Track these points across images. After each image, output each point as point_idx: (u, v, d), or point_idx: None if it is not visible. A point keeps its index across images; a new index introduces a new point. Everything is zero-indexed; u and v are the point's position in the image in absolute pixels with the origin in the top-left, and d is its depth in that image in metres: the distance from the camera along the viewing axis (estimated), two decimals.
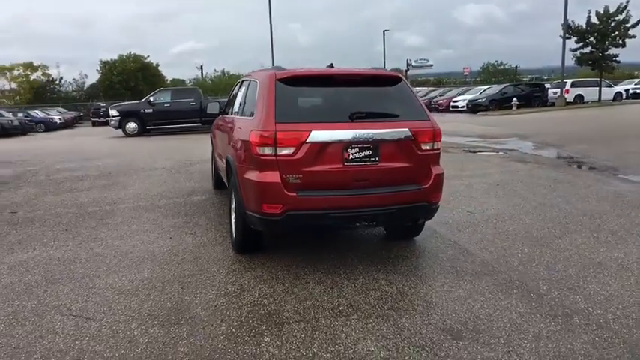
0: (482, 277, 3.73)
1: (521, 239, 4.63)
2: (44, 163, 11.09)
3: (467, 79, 57.27)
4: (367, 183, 3.71)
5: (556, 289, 3.50)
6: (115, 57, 60.38)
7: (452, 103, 31.39)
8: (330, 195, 3.63)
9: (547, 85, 31.89)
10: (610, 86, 31.04)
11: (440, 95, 36.22)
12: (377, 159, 3.70)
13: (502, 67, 60.59)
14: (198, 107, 18.83)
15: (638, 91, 33.74)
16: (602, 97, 29.00)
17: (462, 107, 30.03)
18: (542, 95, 29.68)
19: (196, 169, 9.39)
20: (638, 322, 2.98)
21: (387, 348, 2.75)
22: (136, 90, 50.39)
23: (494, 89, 30.74)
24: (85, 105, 48.74)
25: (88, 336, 2.92)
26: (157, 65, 66.43)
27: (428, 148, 3.87)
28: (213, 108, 6.26)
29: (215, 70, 73.97)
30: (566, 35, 27.98)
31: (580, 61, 28.99)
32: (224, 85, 66.74)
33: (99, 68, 59.96)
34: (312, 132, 3.56)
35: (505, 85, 32.46)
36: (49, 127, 32.61)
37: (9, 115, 30.98)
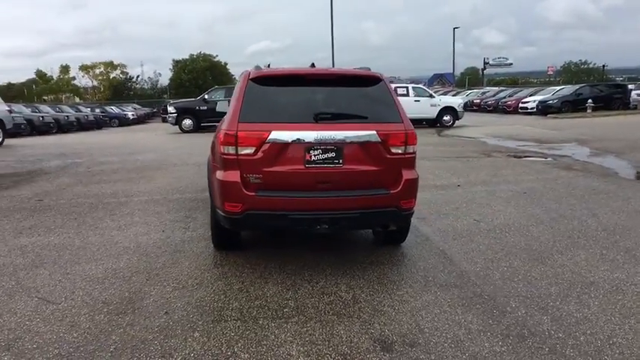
0: (450, 290, 3.56)
1: (516, 252, 4.35)
2: (92, 155, 12.00)
3: (551, 79, 54.11)
4: (329, 185, 3.66)
5: (525, 307, 3.27)
6: (187, 56, 63.81)
7: (520, 105, 29.78)
8: (289, 196, 3.63)
9: (630, 87, 29.32)
10: None
11: (509, 96, 34.50)
12: (340, 161, 3.65)
13: (586, 66, 56.55)
14: None
15: None
16: None
17: (531, 109, 28.39)
18: (623, 97, 27.35)
19: None
20: (598, 351, 2.71)
21: (308, 354, 2.72)
22: (204, 88, 52.92)
23: (567, 90, 28.79)
24: (158, 102, 51.86)
25: (39, 318, 3.16)
26: (225, 64, 69.18)
27: (399, 151, 3.75)
28: (222, 107, 6.37)
29: None
30: None
31: None
32: None
33: (171, 67, 63.56)
34: (272, 132, 3.59)
35: (581, 85, 30.28)
36: (122, 122, 35.21)
37: (86, 111, 33.88)
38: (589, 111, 24.75)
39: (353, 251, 4.45)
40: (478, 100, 37.29)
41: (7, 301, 3.43)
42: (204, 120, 20.40)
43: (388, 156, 3.71)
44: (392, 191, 3.73)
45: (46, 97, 68.54)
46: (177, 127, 20.40)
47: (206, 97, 20.69)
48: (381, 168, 3.71)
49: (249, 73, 3.98)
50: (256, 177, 3.63)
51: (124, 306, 3.33)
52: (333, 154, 3.64)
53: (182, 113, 20.69)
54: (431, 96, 21.64)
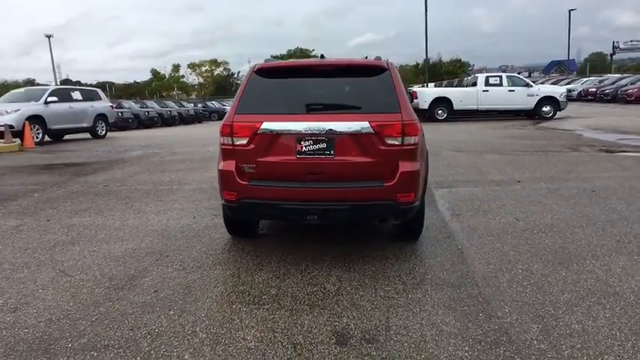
0: (444, 289, 3.39)
1: (543, 254, 3.98)
2: (171, 147, 13.06)
3: None
4: (321, 176, 3.67)
5: (519, 314, 3.01)
6: (285, 52, 66.28)
7: None
8: (280, 186, 3.71)
9: None
10: None
11: (631, 84, 30.81)
12: (332, 152, 3.63)
13: None
14: None
15: None
16: None
17: None
18: None
19: None
20: None
21: (261, 340, 2.78)
22: None
23: None
24: None
25: (51, 287, 3.60)
26: (322, 57, 70.40)
27: (395, 142, 3.62)
28: None
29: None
30: None
31: None
32: None
33: None
34: (264, 123, 3.68)
35: None
36: (221, 116, 37.61)
37: (189, 106, 36.87)
38: None
39: (364, 244, 4.38)
40: (594, 89, 33.75)
41: (34, 271, 3.94)
42: None
43: (383, 147, 3.61)
44: (387, 184, 3.62)
45: (165, 94, 75.48)
46: None
47: None
48: (376, 160, 3.62)
49: (254, 66, 4.11)
50: (250, 167, 3.76)
51: (123, 282, 3.66)
52: (324, 145, 3.63)
53: None
54: (527, 85, 20.15)
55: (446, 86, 31.94)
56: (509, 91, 19.91)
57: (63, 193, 6.96)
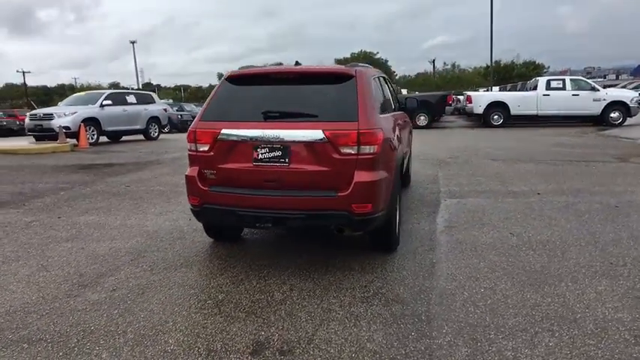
0: (391, 305, 3.28)
1: (518, 274, 3.74)
2: None
3: None
4: (276, 184, 3.68)
5: (454, 336, 2.86)
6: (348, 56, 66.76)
7: None
8: (237, 193, 3.77)
9: None
10: None
11: None
12: (287, 160, 3.64)
13: None
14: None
15: None
16: None
17: None
18: None
19: None
20: None
21: (181, 344, 2.84)
22: None
23: None
24: None
25: (25, 281, 3.86)
26: (386, 61, 70.23)
27: (351, 151, 3.56)
28: None
29: (445, 64, 73.75)
30: None
31: None
32: (449, 79, 66.17)
33: None
34: (222, 129, 3.76)
35: None
36: None
37: None
38: None
39: (337, 253, 4.31)
40: None
41: (20, 265, 4.27)
42: None
43: (338, 157, 3.56)
44: (340, 194, 3.56)
45: None
46: None
47: None
48: (330, 169, 3.58)
49: (227, 73, 4.21)
50: (211, 173, 3.86)
51: (90, 280, 3.87)
52: (279, 153, 3.65)
53: None
54: (593, 89, 18.83)
55: (510, 90, 30.61)
56: (573, 95, 18.73)
57: (87, 192, 7.46)
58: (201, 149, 3.89)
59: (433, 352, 2.69)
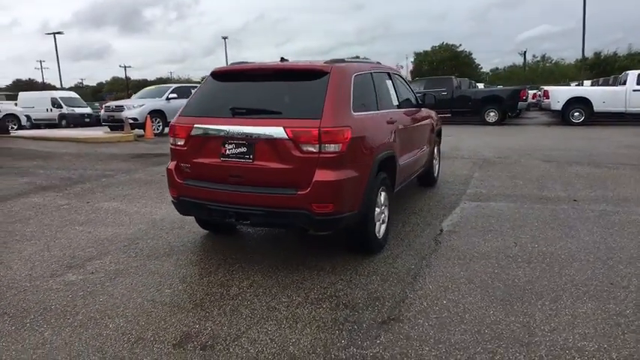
0: (340, 310, 3.19)
1: (496, 288, 3.47)
2: None
3: None
4: (241, 180, 3.72)
5: (385, 348, 2.73)
6: (430, 48, 65.20)
7: None
8: (206, 187, 3.85)
9: None
10: None
11: None
12: (251, 157, 3.67)
13: None
14: (449, 97, 18.89)
15: None
16: None
17: None
18: None
19: None
20: None
21: (116, 329, 2.97)
22: None
23: None
24: None
25: (24, 259, 4.23)
26: (470, 54, 67.60)
27: (312, 149, 3.50)
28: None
29: (534, 56, 69.46)
30: None
31: None
32: (540, 72, 62.03)
33: (412, 60, 65.72)
34: (195, 125, 3.85)
35: None
36: None
37: None
38: None
39: (320, 252, 4.25)
40: None
41: (31, 244, 4.68)
42: None
43: (299, 154, 3.52)
44: (300, 192, 3.51)
45: None
46: None
47: None
48: (292, 167, 3.55)
49: (214, 69, 4.30)
50: (186, 167, 3.99)
51: (78, 262, 4.15)
52: (244, 149, 3.68)
53: None
54: None
55: (601, 84, 28.12)
56: (634, 90, 16.84)
57: (124, 180, 7.99)
58: (178, 143, 4.02)
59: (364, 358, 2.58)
